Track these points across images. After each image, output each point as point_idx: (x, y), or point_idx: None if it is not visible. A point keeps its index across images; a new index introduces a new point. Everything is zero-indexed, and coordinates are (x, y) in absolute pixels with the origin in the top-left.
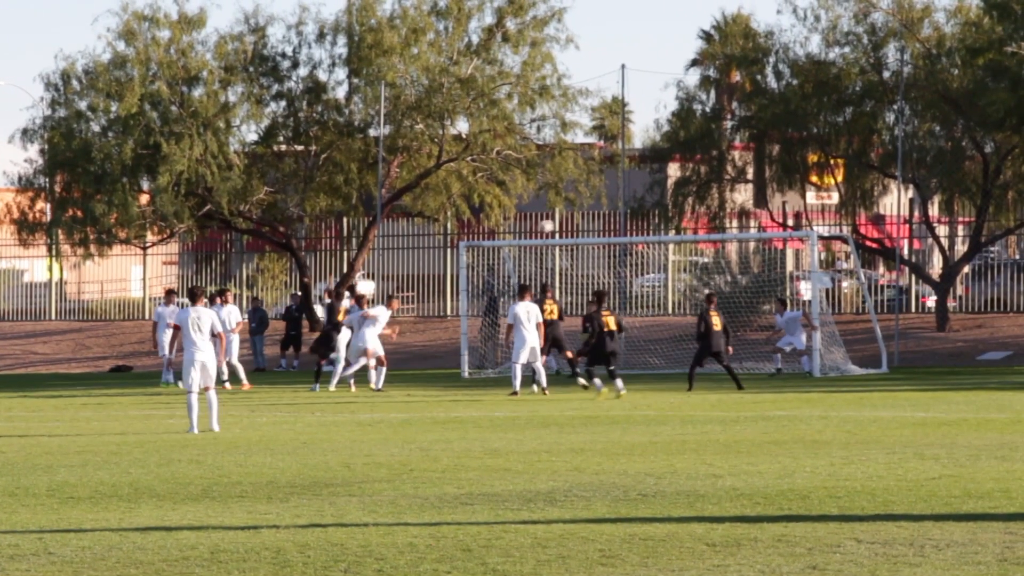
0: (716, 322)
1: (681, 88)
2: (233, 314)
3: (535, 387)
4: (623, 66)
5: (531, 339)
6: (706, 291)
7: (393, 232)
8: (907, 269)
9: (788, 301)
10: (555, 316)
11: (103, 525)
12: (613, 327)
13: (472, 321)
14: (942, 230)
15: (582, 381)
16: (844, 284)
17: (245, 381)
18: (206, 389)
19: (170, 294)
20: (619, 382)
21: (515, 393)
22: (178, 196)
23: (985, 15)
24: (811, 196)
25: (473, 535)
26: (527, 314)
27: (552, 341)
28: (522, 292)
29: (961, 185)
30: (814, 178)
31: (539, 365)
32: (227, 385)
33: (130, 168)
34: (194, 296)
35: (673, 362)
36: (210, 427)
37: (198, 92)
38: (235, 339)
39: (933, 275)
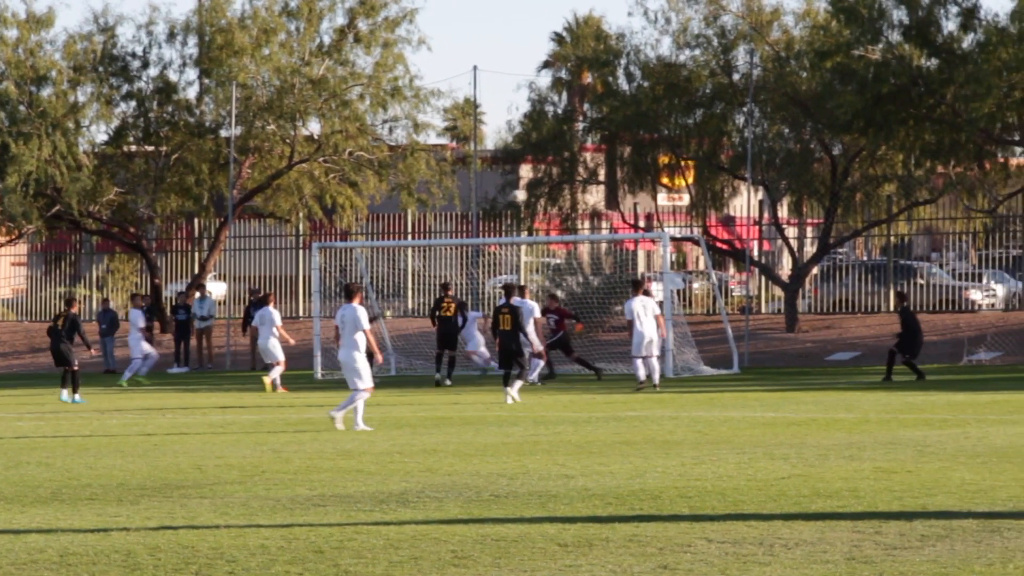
0: None
1: (533, 90)
2: None
3: (653, 382)
4: (475, 67)
5: (648, 332)
6: None
7: (245, 233)
8: (757, 270)
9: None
10: (452, 313)
11: None
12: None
13: (325, 322)
14: (791, 231)
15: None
16: (695, 285)
17: None
18: (354, 389)
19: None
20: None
21: (641, 387)
22: (27, 197)
23: (833, 19)
24: (662, 198)
25: (325, 536)
26: (643, 308)
27: (447, 339)
28: (636, 287)
29: (810, 187)
30: (665, 180)
31: (654, 361)
32: None
33: None
34: (350, 294)
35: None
36: (330, 414)
37: (47, 92)
38: None
39: (782, 276)
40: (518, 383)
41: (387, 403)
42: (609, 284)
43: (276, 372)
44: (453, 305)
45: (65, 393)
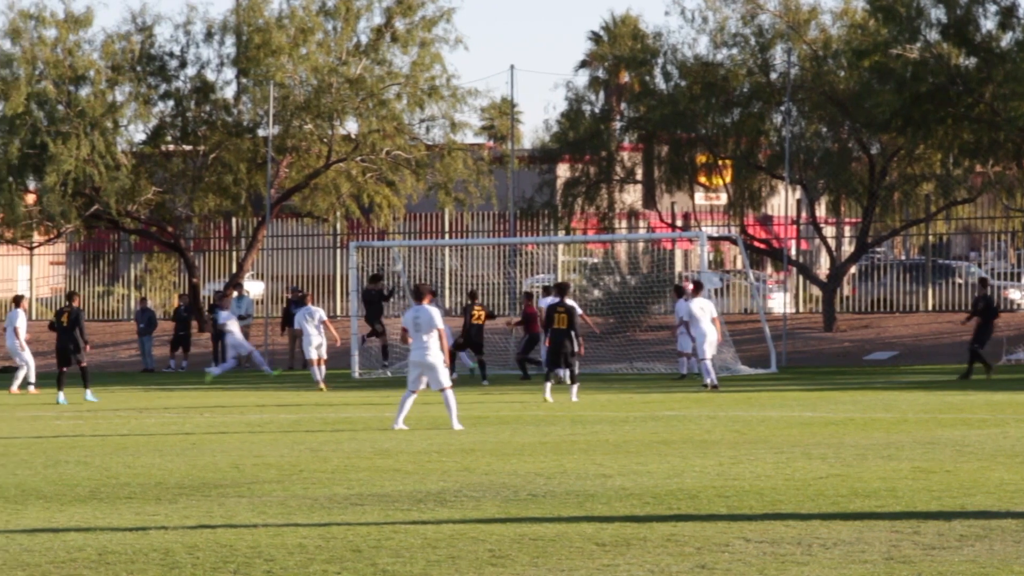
0: None
1: (570, 89)
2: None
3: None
4: (512, 67)
5: (710, 334)
6: None
7: (282, 232)
8: (795, 269)
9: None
10: (482, 320)
11: None
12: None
13: (361, 322)
14: (829, 231)
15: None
16: (733, 284)
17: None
18: (441, 390)
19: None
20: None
21: (715, 386)
22: (65, 196)
23: (871, 17)
24: (700, 197)
25: (363, 536)
26: (701, 310)
27: (473, 344)
28: (696, 288)
29: (848, 186)
30: (703, 179)
31: (707, 363)
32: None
33: (16, 168)
34: (420, 295)
35: None
36: (450, 426)
37: (85, 91)
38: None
39: (820, 275)
40: (575, 386)
41: (424, 402)
42: (646, 283)
43: (323, 372)
44: (483, 313)
45: (62, 395)
